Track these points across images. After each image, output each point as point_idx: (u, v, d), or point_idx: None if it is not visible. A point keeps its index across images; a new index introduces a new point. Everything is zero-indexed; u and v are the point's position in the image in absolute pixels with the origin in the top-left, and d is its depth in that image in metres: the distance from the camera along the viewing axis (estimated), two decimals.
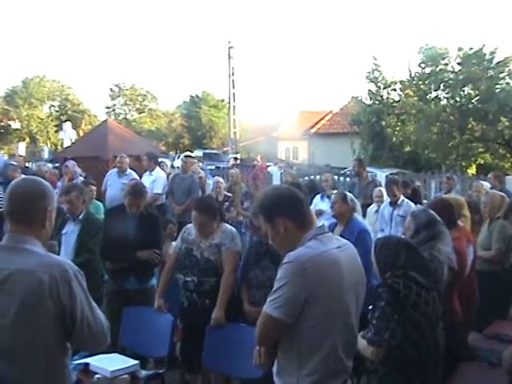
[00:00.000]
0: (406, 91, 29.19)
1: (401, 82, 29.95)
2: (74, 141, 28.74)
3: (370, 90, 30.74)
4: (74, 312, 3.02)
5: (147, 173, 12.62)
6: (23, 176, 4.57)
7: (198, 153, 39.07)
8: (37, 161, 21.28)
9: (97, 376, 4.56)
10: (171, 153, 37.05)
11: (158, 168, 12.88)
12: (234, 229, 6.16)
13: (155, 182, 12.32)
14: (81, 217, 6.95)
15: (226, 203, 11.15)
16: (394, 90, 30.46)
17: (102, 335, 3.18)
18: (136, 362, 4.92)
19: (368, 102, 31.20)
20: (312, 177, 16.35)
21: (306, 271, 3.17)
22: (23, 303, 2.95)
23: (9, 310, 2.95)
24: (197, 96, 63.71)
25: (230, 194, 11.55)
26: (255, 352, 3.53)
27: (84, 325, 3.06)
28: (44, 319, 2.98)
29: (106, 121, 22.22)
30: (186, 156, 13.70)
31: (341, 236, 4.17)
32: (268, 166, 22.43)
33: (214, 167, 24.35)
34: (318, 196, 10.07)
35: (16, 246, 3.08)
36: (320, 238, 3.36)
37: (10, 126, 51.68)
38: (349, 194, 7.48)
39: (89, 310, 3.09)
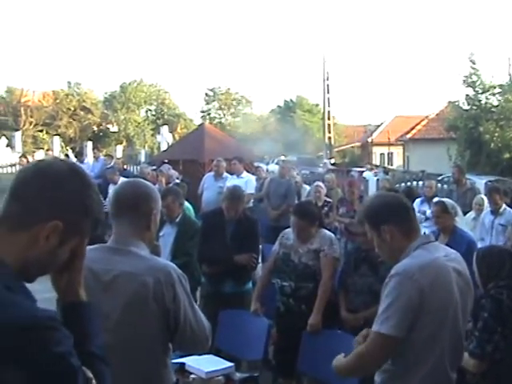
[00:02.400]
0: (506, 96, 28.37)
1: (500, 86, 29.09)
2: (170, 144, 29.23)
3: (467, 95, 29.97)
4: (178, 315, 3.05)
5: (234, 176, 12.74)
6: (130, 179, 4.66)
7: (293, 157, 39.07)
8: (134, 163, 21.73)
9: (192, 376, 4.59)
10: (265, 157, 37.14)
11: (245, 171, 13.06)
12: (332, 234, 6.13)
13: (247, 183, 12.43)
14: (178, 219, 7.03)
15: (325, 208, 11.07)
16: (493, 94, 29.62)
17: (203, 337, 3.21)
18: (231, 364, 4.93)
19: (465, 106, 30.41)
20: (409, 183, 16.12)
21: (415, 282, 3.08)
22: (128, 305, 3.01)
23: (114, 310, 3.01)
24: (291, 101, 63.80)
25: (329, 200, 11.46)
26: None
27: (187, 327, 3.08)
28: (148, 321, 3.03)
29: (202, 124, 22.51)
30: (283, 161, 13.77)
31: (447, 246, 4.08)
32: (363, 171, 22.26)
33: (308, 172, 24.31)
34: (418, 200, 9.93)
35: (122, 248, 3.13)
36: (426, 247, 3.28)
37: (108, 129, 52.94)
38: (448, 202, 7.33)
39: (192, 312, 3.12)
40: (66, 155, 26.02)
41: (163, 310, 3.02)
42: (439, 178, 17.54)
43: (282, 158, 30.49)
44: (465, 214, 9.77)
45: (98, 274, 3.05)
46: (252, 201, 12.71)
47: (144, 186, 3.32)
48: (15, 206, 1.80)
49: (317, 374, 5.55)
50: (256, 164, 15.63)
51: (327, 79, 45.88)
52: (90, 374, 1.76)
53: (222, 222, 6.77)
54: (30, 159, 20.28)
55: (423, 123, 41.71)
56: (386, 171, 24.18)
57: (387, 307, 3.10)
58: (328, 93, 46.08)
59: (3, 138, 33.63)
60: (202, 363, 4.75)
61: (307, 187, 13.70)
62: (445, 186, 15.70)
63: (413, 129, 41.82)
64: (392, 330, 3.05)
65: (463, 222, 9.42)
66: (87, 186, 1.90)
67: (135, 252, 3.11)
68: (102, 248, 3.22)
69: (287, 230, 6.12)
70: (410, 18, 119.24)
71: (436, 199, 8.64)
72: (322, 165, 34.24)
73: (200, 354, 4.67)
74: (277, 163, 26.27)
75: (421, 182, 15.46)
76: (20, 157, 19.27)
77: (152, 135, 50.37)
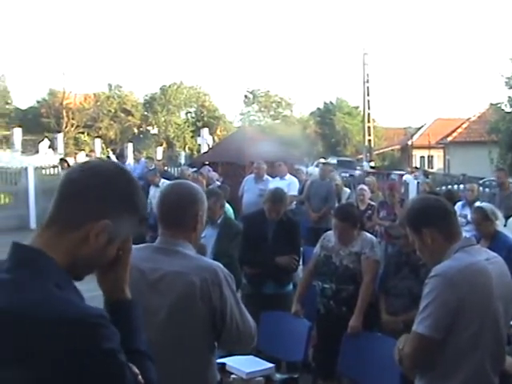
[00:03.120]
0: None
1: None
2: (211, 146, 29.36)
3: (509, 97, 29.63)
4: (224, 313, 3.10)
5: (277, 178, 12.77)
6: (176, 181, 4.73)
7: (332, 160, 38.96)
8: (174, 165, 21.88)
9: (233, 376, 4.61)
10: (305, 160, 37.09)
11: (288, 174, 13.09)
12: (374, 237, 6.13)
13: (290, 185, 12.47)
14: (219, 221, 7.07)
15: (369, 212, 11.05)
16: None
17: (249, 336, 3.26)
18: (272, 365, 4.96)
19: (508, 109, 30.05)
20: (449, 186, 15.99)
21: (454, 284, 3.07)
22: (175, 304, 3.07)
23: (161, 309, 3.07)
24: (331, 103, 63.60)
25: (373, 203, 11.43)
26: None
27: (233, 326, 3.13)
28: (194, 320, 3.09)
29: (242, 127, 22.57)
30: (323, 163, 13.78)
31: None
32: (402, 174, 22.10)
33: (348, 175, 24.23)
34: (459, 204, 9.86)
35: (169, 248, 3.20)
36: (467, 249, 3.26)
37: (148, 131, 53.30)
38: (488, 208, 7.27)
39: (238, 311, 3.17)
40: (108, 157, 26.24)
41: (210, 309, 3.07)
42: (480, 181, 17.38)
43: (322, 160, 30.39)
44: (508, 217, 9.69)
45: (146, 273, 3.12)
46: (294, 203, 12.74)
47: (190, 188, 3.38)
48: (65, 205, 1.85)
49: (356, 376, 5.56)
50: (296, 166, 15.61)
51: (367, 81, 45.63)
52: (136, 370, 1.80)
53: (264, 224, 6.81)
54: (72, 161, 20.58)
55: (464, 126, 41.29)
56: (427, 174, 23.98)
57: (425, 308, 3.11)
58: (368, 95, 45.83)
59: (46, 139, 34.08)
60: (243, 363, 4.78)
61: (347, 190, 13.69)
62: (486, 189, 15.56)
63: (454, 131, 41.43)
64: (428, 330, 3.06)
65: (508, 227, 9.35)
66: (134, 185, 1.96)
67: (182, 252, 3.17)
68: (150, 248, 3.30)
69: (329, 232, 6.14)
70: (450, 19, 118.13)
71: (477, 203, 8.56)
72: (358, 168, 34.12)
73: (241, 355, 4.73)
74: (316, 166, 26.27)
75: (461, 186, 15.34)
76: (60, 160, 19.51)
77: (192, 137, 50.58)
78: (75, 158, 20.03)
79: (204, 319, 3.09)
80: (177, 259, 3.15)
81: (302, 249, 7.29)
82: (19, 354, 1.63)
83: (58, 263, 1.78)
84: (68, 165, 18.09)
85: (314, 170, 24.26)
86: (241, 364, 4.74)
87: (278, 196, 6.84)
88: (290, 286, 6.83)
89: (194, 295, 3.05)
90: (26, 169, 19.34)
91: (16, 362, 1.63)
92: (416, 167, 32.85)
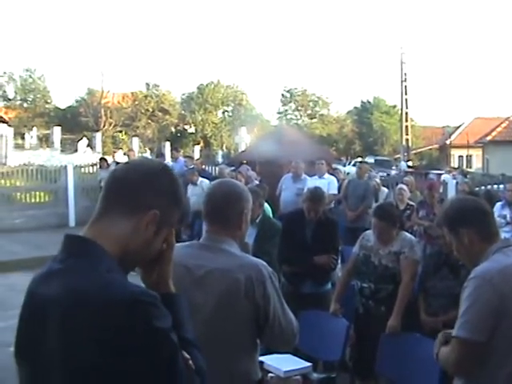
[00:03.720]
0: None
1: None
2: (248, 145, 29.40)
3: None
4: (268, 311, 3.12)
5: (315, 176, 12.77)
6: (222, 179, 4.78)
7: (370, 159, 38.82)
8: (212, 164, 21.96)
9: (270, 375, 4.62)
10: (342, 159, 37.03)
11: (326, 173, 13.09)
12: (413, 237, 6.11)
13: (330, 184, 12.47)
14: (258, 220, 7.09)
15: (408, 211, 11.00)
16: None
17: (291, 334, 3.27)
18: (309, 364, 4.96)
19: None
20: (489, 186, 15.82)
21: (494, 284, 3.02)
22: (220, 301, 3.11)
23: (205, 305, 3.11)
24: (368, 102, 63.32)
25: (412, 203, 11.37)
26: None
27: (276, 323, 3.15)
28: (238, 317, 3.12)
29: (280, 126, 22.57)
30: (361, 162, 13.78)
31: None
32: (440, 174, 21.93)
33: (385, 174, 24.12)
34: (498, 204, 9.76)
35: (214, 245, 3.24)
36: (505, 251, 3.22)
37: (185, 130, 53.55)
38: None
39: (281, 309, 3.19)
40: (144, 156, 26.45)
41: (254, 307, 3.10)
42: None
43: (359, 159, 30.31)
44: None
45: (191, 270, 3.16)
46: (333, 202, 12.74)
47: (236, 186, 3.44)
48: (115, 199, 1.94)
49: (394, 376, 5.53)
50: (334, 166, 15.60)
51: (405, 80, 45.44)
52: (187, 355, 1.84)
53: (303, 223, 6.82)
54: (110, 160, 20.74)
55: (504, 125, 40.79)
56: (465, 174, 23.77)
57: (466, 311, 3.05)
58: (406, 94, 45.64)
59: (84, 138, 34.45)
60: (281, 362, 4.78)
61: (385, 190, 13.63)
62: None
63: (493, 131, 40.96)
64: (471, 333, 3.00)
65: None
66: (177, 182, 2.05)
67: (227, 250, 3.21)
68: (195, 245, 3.37)
69: (368, 231, 6.13)
70: (490, 16, 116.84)
71: None
72: (394, 167, 33.92)
73: (278, 353, 4.74)
74: (354, 165, 26.17)
75: (501, 186, 15.18)
76: (100, 159, 19.74)
77: (229, 136, 50.75)
78: (113, 156, 20.18)
79: (248, 316, 3.13)
80: (222, 256, 3.19)
81: (340, 248, 7.28)
82: (79, 335, 1.70)
83: (109, 253, 1.85)
84: (107, 163, 18.30)
85: (352, 170, 24.21)
86: (278, 362, 4.75)
87: (317, 195, 6.84)
88: (329, 285, 6.83)
89: (239, 292, 3.08)
90: (65, 167, 19.55)
91: (78, 343, 1.70)
92: (454, 167, 32.60)
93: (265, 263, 3.24)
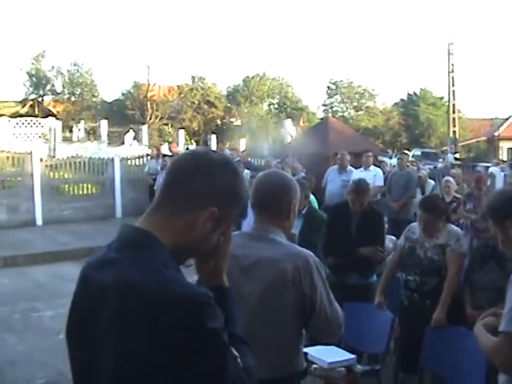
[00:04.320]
0: None
1: None
2: (294, 137, 29.35)
3: None
4: (314, 301, 3.15)
5: (361, 168, 12.76)
6: (270, 170, 4.83)
7: (417, 152, 38.48)
8: (258, 156, 21.97)
9: (314, 366, 4.63)
10: (389, 151, 36.73)
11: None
12: (459, 230, 6.06)
13: (376, 176, 12.48)
14: (304, 211, 7.09)
15: (454, 204, 10.90)
16: None
17: (337, 324, 3.30)
18: (353, 356, 4.95)
19: None
20: None
21: None
22: (267, 289, 3.14)
23: (253, 294, 3.15)
24: (415, 93, 62.63)
25: (458, 196, 11.29)
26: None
27: (322, 314, 3.18)
28: (285, 306, 3.15)
29: (326, 118, 22.50)
30: (402, 153, 13.79)
31: None
32: (488, 167, 21.68)
33: (432, 167, 23.89)
34: None
35: (262, 235, 3.28)
36: None
37: (231, 122, 53.60)
38: None
39: (327, 300, 3.21)
40: (187, 148, 26.56)
41: (300, 296, 3.13)
42: None
43: (405, 151, 30.07)
44: None
45: (239, 259, 3.19)
46: (379, 194, 12.73)
47: (284, 177, 3.47)
48: (175, 191, 1.93)
49: (439, 370, 5.52)
50: (380, 158, 15.53)
51: (452, 71, 44.87)
52: (236, 353, 1.84)
53: (348, 215, 6.82)
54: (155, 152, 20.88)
55: None
56: None
57: None
58: (453, 85, 45.07)
59: (131, 131, 34.74)
60: (325, 353, 4.78)
61: (432, 182, 13.54)
62: None
63: None
64: None
65: None
66: (238, 175, 2.02)
67: (275, 239, 3.25)
68: (243, 234, 3.39)
69: (413, 223, 6.10)
70: None
71: None
72: (440, 160, 33.55)
73: (323, 345, 4.74)
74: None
75: None
76: (153, 149, 20.05)
77: (274, 128, 50.70)
78: (159, 149, 20.27)
79: (294, 306, 3.16)
80: (269, 246, 3.22)
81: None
82: (132, 327, 1.72)
83: (165, 245, 1.86)
84: (158, 153, 18.55)
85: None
86: (322, 354, 4.76)
87: (361, 187, 6.83)
88: (374, 277, 6.82)
89: (286, 282, 3.11)
90: (112, 160, 19.74)
91: (128, 333, 1.73)
92: (503, 160, 32.15)
93: (312, 253, 3.27)
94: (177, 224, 1.89)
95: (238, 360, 1.84)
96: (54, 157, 24.24)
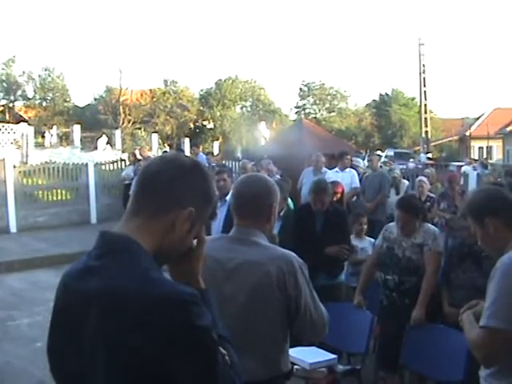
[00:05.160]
0: None
1: None
2: (268, 140, 29.39)
3: None
4: (299, 303, 3.17)
5: (336, 169, 12.80)
6: (250, 173, 4.84)
7: (389, 152, 38.70)
8: (232, 159, 21.98)
9: (296, 367, 4.65)
10: (361, 152, 36.93)
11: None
12: (436, 229, 6.11)
13: (353, 177, 12.55)
14: (282, 213, 7.10)
15: (428, 203, 11.00)
16: None
17: (322, 325, 3.32)
18: (334, 356, 4.99)
19: None
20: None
21: None
22: (252, 293, 3.15)
23: (237, 297, 3.16)
24: (386, 94, 63.02)
25: (432, 195, 11.40)
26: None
27: (307, 315, 3.20)
28: (270, 309, 3.17)
29: (300, 119, 22.53)
30: (371, 154, 13.92)
31: None
32: (461, 166, 21.86)
33: (404, 167, 24.02)
34: None
35: (244, 238, 3.29)
36: None
37: (204, 126, 53.58)
38: None
39: (311, 300, 3.24)
40: (165, 151, 26.47)
41: (285, 298, 3.15)
42: None
43: (378, 152, 30.22)
44: None
45: (222, 263, 3.21)
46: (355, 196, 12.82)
47: (265, 180, 3.48)
48: (150, 196, 1.95)
49: (419, 367, 5.57)
50: (353, 159, 15.57)
51: (423, 72, 45.26)
52: (223, 351, 1.87)
53: (312, 215, 6.89)
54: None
55: None
56: (485, 165, 23.66)
57: (494, 300, 2.98)
58: (424, 86, 45.45)
59: (104, 136, 34.53)
60: (306, 354, 4.82)
61: (406, 182, 13.63)
62: None
63: None
64: (500, 322, 2.92)
65: None
66: (208, 176, 2.05)
67: (258, 242, 3.26)
68: (225, 238, 3.42)
69: (391, 223, 6.14)
70: (506, 7, 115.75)
71: None
72: (411, 160, 33.78)
73: (303, 346, 4.77)
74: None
75: None
76: (129, 154, 20.05)
77: (247, 131, 50.72)
78: (136, 155, 20.21)
79: (279, 308, 3.17)
80: (252, 249, 3.23)
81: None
82: (122, 333, 1.72)
83: (146, 250, 1.87)
84: (135, 157, 18.49)
85: None
86: (304, 355, 4.79)
87: (320, 186, 6.91)
88: (342, 277, 6.92)
89: (271, 284, 3.13)
90: (86, 165, 19.63)
91: (117, 339, 1.72)
92: (474, 158, 32.44)
93: (295, 254, 3.29)
94: (156, 227, 1.91)
95: (226, 357, 1.86)
96: (26, 163, 24.04)
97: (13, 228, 17.24)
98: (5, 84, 47.70)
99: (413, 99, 58.46)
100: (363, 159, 25.34)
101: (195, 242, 2.06)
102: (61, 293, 1.93)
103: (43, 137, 37.25)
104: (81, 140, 34.27)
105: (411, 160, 33.91)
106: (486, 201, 3.37)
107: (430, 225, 6.12)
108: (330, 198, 7.09)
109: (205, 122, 53.99)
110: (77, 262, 1.95)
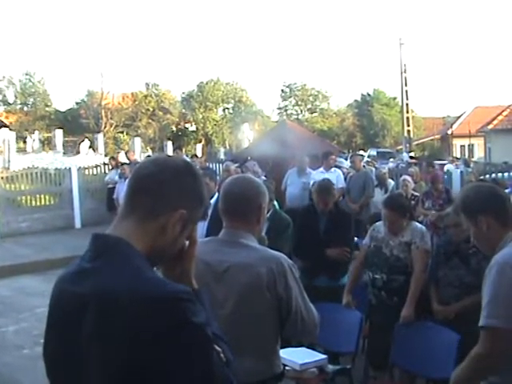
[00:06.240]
0: None
1: None
2: (251, 141, 29.40)
3: None
4: (289, 303, 3.16)
5: (321, 170, 12.81)
6: (238, 175, 4.83)
7: (372, 152, 38.82)
8: (215, 161, 21.95)
9: (286, 368, 4.64)
10: (344, 152, 37.02)
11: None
12: (423, 227, 6.12)
13: (338, 177, 12.55)
14: (268, 215, 7.09)
15: (413, 202, 11.05)
16: None
17: (313, 325, 3.32)
18: (324, 356, 4.99)
19: None
20: (493, 175, 15.83)
21: None
22: (242, 294, 3.14)
23: (228, 299, 3.15)
24: (368, 94, 63.23)
25: (417, 194, 11.45)
26: None
27: (297, 315, 3.20)
28: (261, 310, 3.16)
29: (284, 121, 22.55)
30: (353, 155, 13.97)
31: None
32: (444, 164, 21.94)
33: (389, 166, 24.08)
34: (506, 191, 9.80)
35: (234, 240, 3.28)
36: None
37: (186, 128, 53.57)
38: None
39: (302, 301, 3.23)
40: (148, 155, 26.44)
41: (276, 299, 3.14)
42: None
43: (361, 152, 30.30)
44: None
45: (212, 265, 3.20)
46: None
47: (253, 181, 3.47)
48: (141, 198, 1.95)
49: (409, 365, 5.56)
50: (337, 159, 15.61)
51: (404, 72, 45.32)
52: (218, 348, 1.87)
53: (316, 217, 6.88)
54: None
55: (505, 113, 40.80)
56: (468, 163, 23.79)
57: (491, 299, 2.98)
58: (406, 85, 45.50)
59: (86, 140, 34.47)
60: (296, 355, 4.81)
61: (391, 181, 13.67)
62: None
63: (494, 119, 40.96)
64: (499, 320, 2.92)
65: None
66: (199, 177, 2.05)
67: (247, 244, 3.25)
68: (214, 240, 3.39)
69: (378, 222, 6.14)
70: (487, 6, 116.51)
71: None
72: (392, 160, 33.89)
73: (293, 346, 4.77)
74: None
75: (505, 174, 15.20)
76: (110, 159, 19.88)
77: (230, 133, 50.75)
78: (117, 157, 20.19)
79: (270, 309, 3.17)
80: (242, 251, 3.22)
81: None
82: (118, 334, 1.71)
83: (139, 251, 1.87)
84: (117, 162, 18.38)
85: None
86: (294, 356, 4.78)
87: (324, 187, 6.88)
88: (345, 279, 6.81)
89: (261, 286, 3.12)
90: (69, 169, 19.55)
91: (113, 340, 1.72)
92: (457, 157, 32.60)
93: (285, 256, 3.29)
94: (148, 228, 1.91)
95: (221, 355, 1.86)
96: (9, 168, 23.93)
97: None
98: None
99: (394, 99, 58.67)
100: (346, 159, 25.45)
101: (187, 242, 2.06)
102: (55, 298, 1.93)
103: (25, 142, 37.17)
104: (63, 145, 34.17)
105: (391, 160, 34.00)
106: (479, 198, 3.36)
107: (417, 223, 6.13)
108: (333, 198, 7.09)
109: (187, 125, 54.00)
110: (70, 265, 1.95)
